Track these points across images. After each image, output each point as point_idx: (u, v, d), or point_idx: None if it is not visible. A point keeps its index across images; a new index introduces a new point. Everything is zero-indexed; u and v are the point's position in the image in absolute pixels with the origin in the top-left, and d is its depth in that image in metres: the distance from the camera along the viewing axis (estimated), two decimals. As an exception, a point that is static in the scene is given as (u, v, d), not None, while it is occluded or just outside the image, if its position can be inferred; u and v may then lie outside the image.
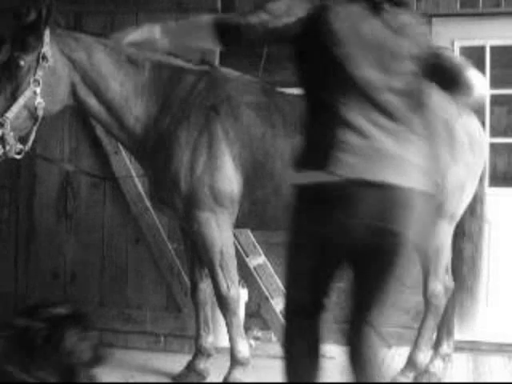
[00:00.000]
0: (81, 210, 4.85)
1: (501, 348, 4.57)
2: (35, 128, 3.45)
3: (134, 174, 4.59)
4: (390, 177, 2.16)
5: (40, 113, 3.41)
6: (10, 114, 3.31)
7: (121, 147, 4.63)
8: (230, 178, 3.58)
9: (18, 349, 1.72)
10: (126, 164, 4.66)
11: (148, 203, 4.55)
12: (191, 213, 3.61)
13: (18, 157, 3.45)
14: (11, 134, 3.32)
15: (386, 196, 2.17)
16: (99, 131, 4.67)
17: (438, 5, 4.62)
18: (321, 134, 2.24)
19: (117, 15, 4.54)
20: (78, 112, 4.70)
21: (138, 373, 4.17)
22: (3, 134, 3.29)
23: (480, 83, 2.35)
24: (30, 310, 1.80)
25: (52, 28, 3.47)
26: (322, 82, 2.26)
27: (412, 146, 2.24)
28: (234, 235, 4.58)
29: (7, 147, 3.31)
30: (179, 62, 3.75)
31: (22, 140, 3.45)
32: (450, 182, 3.68)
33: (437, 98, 3.74)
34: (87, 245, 4.83)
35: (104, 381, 1.86)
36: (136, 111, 3.64)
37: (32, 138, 3.47)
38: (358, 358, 2.39)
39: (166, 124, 3.64)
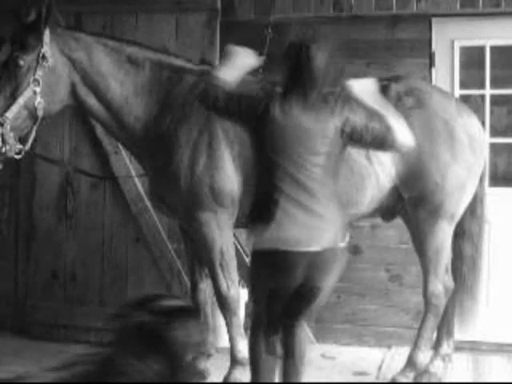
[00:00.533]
0: (81, 210, 4.85)
1: (501, 348, 4.57)
2: (35, 128, 3.46)
3: (133, 174, 4.59)
4: (312, 245, 2.83)
5: (40, 113, 3.41)
6: (10, 114, 3.31)
7: (121, 147, 4.62)
8: (230, 178, 3.58)
9: (131, 339, 1.84)
10: (125, 164, 4.66)
11: (148, 203, 4.55)
12: (192, 213, 3.61)
13: (18, 157, 3.45)
14: (11, 133, 3.32)
15: (311, 260, 2.85)
16: (99, 131, 4.67)
17: (438, 5, 4.62)
18: (264, 205, 2.91)
19: (116, 15, 4.54)
20: (77, 112, 4.71)
21: (137, 373, 4.16)
22: (3, 134, 3.29)
23: (405, 140, 2.96)
24: (141, 302, 1.91)
25: (52, 28, 3.47)
26: (263, 161, 2.97)
27: (327, 215, 2.89)
28: (234, 235, 4.58)
29: (7, 147, 3.31)
30: (179, 62, 3.75)
31: (22, 140, 3.46)
32: (449, 182, 3.67)
33: (437, 97, 3.75)
34: (87, 245, 4.83)
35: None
36: (136, 111, 3.64)
37: (32, 137, 3.48)
38: (291, 346, 3.11)
39: (166, 124, 3.64)
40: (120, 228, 4.77)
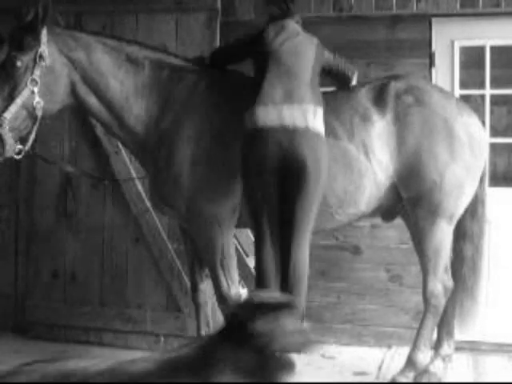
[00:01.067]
0: (81, 210, 4.85)
1: (501, 348, 4.57)
2: (35, 128, 3.45)
3: (134, 175, 4.59)
4: (295, 121, 3.32)
5: (39, 112, 3.41)
6: (8, 115, 3.31)
7: (121, 147, 4.63)
8: (232, 178, 3.57)
9: (226, 331, 2.05)
10: (126, 164, 4.65)
11: (148, 203, 4.55)
12: (193, 213, 3.61)
13: (18, 157, 3.44)
14: (9, 134, 3.32)
15: (292, 134, 3.30)
16: (99, 131, 4.67)
17: (438, 5, 4.62)
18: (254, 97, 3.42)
19: (116, 15, 4.54)
20: (77, 112, 4.70)
21: (137, 373, 4.16)
22: (1, 134, 3.28)
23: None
24: (248, 300, 2.11)
25: (50, 28, 3.47)
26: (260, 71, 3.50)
27: (306, 101, 3.38)
28: (234, 235, 4.58)
29: (6, 147, 3.31)
30: (179, 62, 3.75)
31: (22, 140, 3.45)
32: (448, 181, 3.66)
33: (437, 96, 3.74)
34: (87, 245, 4.83)
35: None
36: (136, 110, 3.64)
37: (32, 138, 3.46)
38: (286, 270, 3.29)
39: (167, 124, 3.63)
40: (120, 228, 4.77)
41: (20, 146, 3.42)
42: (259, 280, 3.34)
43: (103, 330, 4.75)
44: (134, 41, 3.85)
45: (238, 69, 3.87)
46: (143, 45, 3.77)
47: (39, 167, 4.87)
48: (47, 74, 3.42)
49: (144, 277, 4.72)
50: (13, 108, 3.32)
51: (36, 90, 3.37)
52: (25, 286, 5.00)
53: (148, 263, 4.71)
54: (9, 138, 3.31)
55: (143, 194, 4.59)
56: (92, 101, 3.60)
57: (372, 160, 3.62)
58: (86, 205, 4.84)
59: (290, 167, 3.28)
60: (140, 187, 4.62)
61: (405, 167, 3.65)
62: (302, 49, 3.50)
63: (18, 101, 3.33)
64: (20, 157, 3.45)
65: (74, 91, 3.56)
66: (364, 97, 3.72)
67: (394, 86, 3.73)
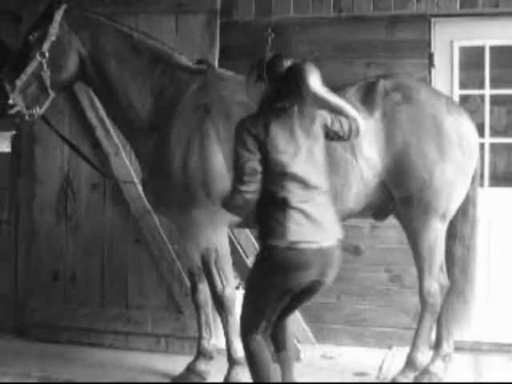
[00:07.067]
0: (81, 211, 4.85)
1: (501, 348, 4.58)
2: (47, 96, 3.75)
3: (133, 176, 4.59)
4: (326, 240, 2.89)
5: (47, 82, 3.71)
6: (19, 82, 3.66)
7: (121, 148, 4.64)
8: (222, 177, 3.59)
9: None
10: (126, 165, 4.66)
11: (148, 204, 4.55)
12: (185, 210, 3.63)
13: (29, 119, 3.77)
14: (21, 99, 3.66)
15: (323, 257, 2.86)
16: (99, 132, 4.68)
17: (437, 5, 4.62)
18: (276, 213, 2.87)
19: (116, 16, 4.52)
20: (77, 113, 4.72)
21: (138, 374, 4.17)
22: (14, 99, 3.65)
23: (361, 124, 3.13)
24: None
25: (69, 9, 3.78)
26: (271, 178, 2.89)
27: (327, 208, 2.97)
28: (234, 236, 4.58)
29: (17, 108, 3.66)
30: (178, 59, 3.79)
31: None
32: (438, 180, 3.64)
33: (426, 94, 3.74)
34: (87, 246, 4.83)
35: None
36: (131, 97, 3.78)
37: (46, 103, 3.78)
38: (283, 339, 3.16)
39: (158, 121, 3.72)
40: (120, 229, 4.77)
41: (32, 111, 3.74)
42: (255, 367, 3.07)
43: (104, 331, 4.75)
44: (144, 32, 3.99)
45: (235, 68, 3.91)
46: (153, 37, 3.92)
47: (39, 168, 4.88)
48: (55, 49, 3.73)
49: (144, 278, 4.72)
50: (23, 76, 3.68)
51: (44, 61, 3.68)
52: (25, 287, 5.00)
53: (148, 264, 4.71)
54: (20, 102, 3.68)
55: (143, 195, 4.59)
56: (95, 78, 3.84)
57: (359, 157, 3.62)
58: (86, 206, 4.84)
59: (314, 285, 2.95)
60: (140, 187, 4.62)
61: (393, 164, 3.65)
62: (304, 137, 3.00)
63: (28, 70, 3.69)
64: (32, 119, 3.81)
65: (81, 66, 3.82)
66: (353, 96, 3.70)
67: (383, 84, 3.73)
